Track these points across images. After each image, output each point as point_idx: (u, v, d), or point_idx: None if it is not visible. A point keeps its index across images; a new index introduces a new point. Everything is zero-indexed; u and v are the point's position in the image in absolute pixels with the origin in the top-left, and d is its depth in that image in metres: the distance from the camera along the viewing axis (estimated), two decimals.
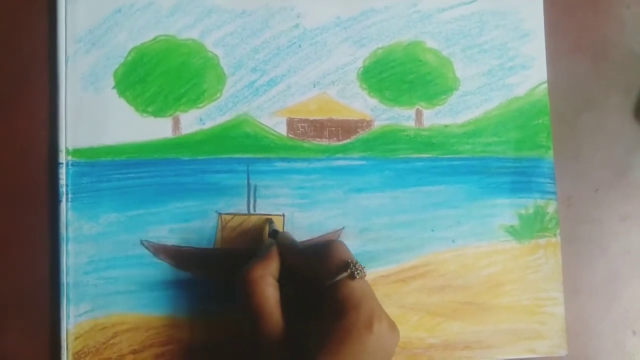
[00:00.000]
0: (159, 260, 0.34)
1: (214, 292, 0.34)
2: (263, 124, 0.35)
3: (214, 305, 0.34)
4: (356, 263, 0.28)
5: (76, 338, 0.33)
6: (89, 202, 0.33)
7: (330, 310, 0.27)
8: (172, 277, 0.33)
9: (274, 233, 0.33)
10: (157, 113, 0.34)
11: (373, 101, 0.36)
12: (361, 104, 0.36)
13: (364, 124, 0.36)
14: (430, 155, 0.36)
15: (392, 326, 0.27)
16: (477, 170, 0.36)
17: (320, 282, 0.28)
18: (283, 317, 0.29)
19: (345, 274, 0.27)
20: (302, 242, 0.33)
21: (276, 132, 0.35)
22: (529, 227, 0.36)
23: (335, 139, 0.36)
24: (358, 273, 0.27)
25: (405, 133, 0.36)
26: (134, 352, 0.33)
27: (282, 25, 0.36)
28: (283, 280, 0.30)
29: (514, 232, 0.36)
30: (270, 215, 0.35)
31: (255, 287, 0.29)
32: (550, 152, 0.37)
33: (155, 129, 0.34)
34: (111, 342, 0.33)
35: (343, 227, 0.35)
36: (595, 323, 0.37)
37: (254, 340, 0.29)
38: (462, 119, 0.36)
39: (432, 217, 0.36)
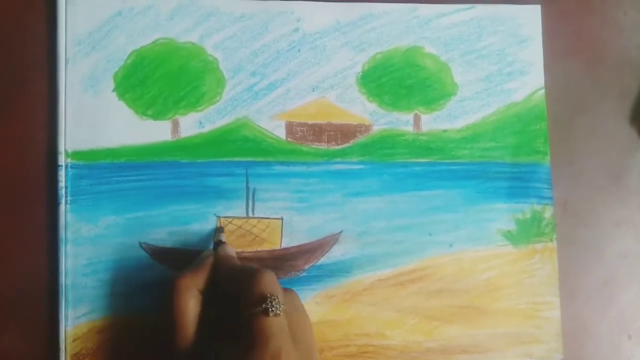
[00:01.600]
0: (158, 263, 0.34)
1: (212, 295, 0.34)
2: (262, 128, 0.35)
3: (211, 308, 0.34)
4: (274, 299, 0.27)
5: (74, 340, 0.33)
6: (88, 205, 0.34)
7: (240, 341, 0.27)
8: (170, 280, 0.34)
9: (218, 244, 0.33)
10: (156, 116, 0.35)
11: (372, 106, 0.36)
12: (360, 109, 0.36)
13: (363, 128, 0.36)
14: (428, 160, 0.36)
15: None
16: (475, 175, 0.36)
17: (240, 309, 0.28)
18: (197, 332, 0.29)
19: (259, 309, 0.27)
20: (243, 258, 0.34)
21: (275, 135, 0.35)
22: (525, 232, 0.36)
23: (334, 143, 0.36)
24: (273, 310, 0.27)
25: (403, 138, 0.36)
26: (132, 354, 0.33)
27: (281, 29, 0.36)
28: (209, 294, 0.30)
29: (511, 237, 0.36)
30: (268, 218, 0.35)
31: (178, 297, 0.29)
32: (547, 158, 0.37)
33: (154, 131, 0.34)
34: (109, 344, 0.33)
35: (341, 231, 0.35)
36: (591, 327, 0.37)
37: (168, 347, 0.29)
38: (460, 124, 0.37)
39: (430, 221, 0.36)
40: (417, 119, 0.37)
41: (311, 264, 0.35)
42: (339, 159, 0.36)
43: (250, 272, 0.29)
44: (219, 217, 0.34)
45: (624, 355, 0.37)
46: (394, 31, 0.37)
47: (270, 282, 0.28)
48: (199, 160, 0.35)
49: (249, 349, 0.26)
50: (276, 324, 0.27)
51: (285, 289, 0.30)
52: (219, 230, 0.34)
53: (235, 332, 0.28)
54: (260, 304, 0.27)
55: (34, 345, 0.33)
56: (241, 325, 0.27)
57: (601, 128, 0.39)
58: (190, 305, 0.29)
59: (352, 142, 0.36)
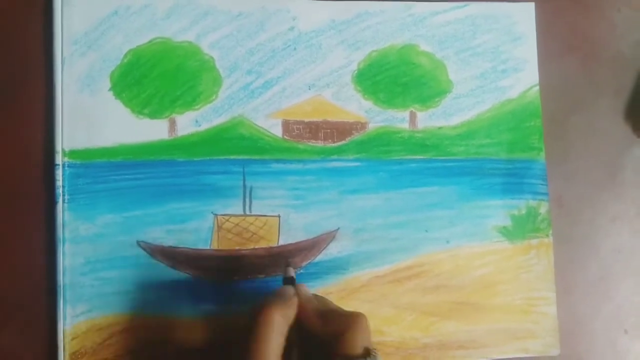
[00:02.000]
0: (156, 261, 0.34)
1: (210, 293, 0.34)
2: (258, 126, 0.35)
3: (210, 306, 0.34)
4: (375, 351, 0.27)
5: (73, 339, 0.33)
6: (85, 203, 0.34)
7: None
8: (168, 278, 0.34)
9: (291, 280, 0.31)
10: (153, 115, 0.35)
11: (367, 103, 0.37)
12: (356, 106, 0.36)
13: (359, 125, 0.36)
14: (424, 157, 0.36)
15: None
16: (470, 172, 0.37)
17: (333, 354, 0.26)
18: None
19: None
20: (318, 296, 0.32)
21: (272, 133, 0.36)
22: (521, 228, 0.37)
23: (330, 140, 0.36)
24: None
25: (399, 135, 0.36)
26: (131, 352, 0.33)
27: (277, 28, 0.36)
28: (295, 335, 0.28)
29: (506, 233, 0.37)
30: (265, 216, 0.35)
31: (267, 329, 0.26)
32: (542, 154, 0.37)
33: (151, 130, 0.34)
34: (108, 342, 0.33)
35: (338, 228, 0.35)
36: (587, 322, 0.37)
37: None
38: (455, 121, 0.37)
39: (426, 217, 0.36)
40: (412, 117, 0.37)
41: (308, 261, 0.35)
42: (335, 157, 0.36)
43: (346, 315, 0.28)
44: (216, 215, 0.35)
45: (620, 349, 0.38)
46: (389, 29, 0.37)
47: (369, 329, 0.27)
48: (195, 159, 0.35)
49: None
50: None
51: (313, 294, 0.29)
52: (287, 265, 0.33)
53: None
54: (362, 356, 0.26)
55: (32, 344, 0.33)
56: None
57: (596, 124, 0.39)
58: (277, 341, 0.27)
59: (348, 140, 0.36)
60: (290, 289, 0.30)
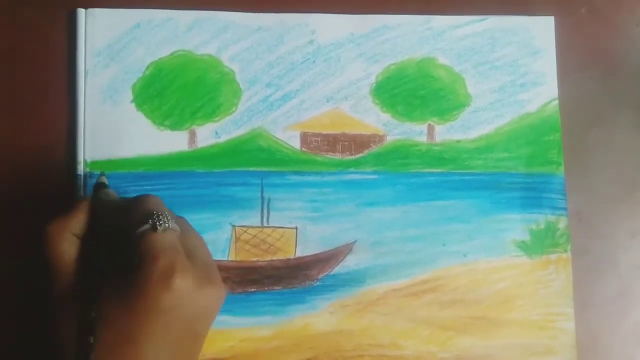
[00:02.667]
0: None
1: (227, 304, 0.34)
2: (277, 138, 0.36)
3: (227, 317, 0.34)
4: (161, 214, 0.25)
5: None
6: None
7: (128, 265, 0.24)
8: None
9: (98, 187, 0.31)
10: (173, 126, 0.35)
11: (385, 116, 0.37)
12: (374, 119, 0.37)
13: (377, 138, 0.37)
14: (442, 170, 0.36)
15: (202, 284, 0.24)
16: (489, 186, 0.37)
17: (127, 235, 0.25)
18: (78, 275, 0.26)
19: (146, 226, 0.25)
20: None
21: (290, 146, 0.36)
22: (539, 243, 0.36)
23: (348, 153, 0.36)
24: (161, 224, 0.24)
25: (417, 148, 0.37)
26: None
27: (296, 41, 0.36)
28: (92, 238, 0.28)
29: (525, 247, 0.36)
30: (283, 227, 0.35)
31: (49, 242, 0.27)
32: (561, 168, 0.37)
33: (171, 142, 0.35)
34: None
35: (355, 241, 0.35)
36: (605, 338, 0.37)
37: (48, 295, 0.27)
38: (473, 134, 0.37)
39: (443, 231, 0.36)
40: (430, 130, 0.37)
41: (325, 274, 0.35)
42: (352, 169, 0.36)
43: (133, 198, 0.27)
44: (234, 226, 0.35)
45: None
46: (408, 42, 0.37)
47: (155, 201, 0.27)
48: (215, 170, 0.35)
49: (135, 270, 0.23)
50: (166, 239, 0.24)
51: (176, 216, 0.28)
52: (100, 174, 0.32)
53: (123, 263, 0.25)
54: (146, 221, 0.25)
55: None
56: (128, 253, 0.25)
57: (615, 139, 0.39)
58: (63, 248, 0.27)
59: (366, 152, 0.36)
60: (78, 200, 0.31)
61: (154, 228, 0.25)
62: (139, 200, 0.27)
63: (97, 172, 0.33)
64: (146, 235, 0.25)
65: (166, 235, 0.25)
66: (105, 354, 0.23)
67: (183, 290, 0.23)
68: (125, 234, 0.25)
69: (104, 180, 0.32)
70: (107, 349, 0.23)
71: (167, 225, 0.25)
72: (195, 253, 0.26)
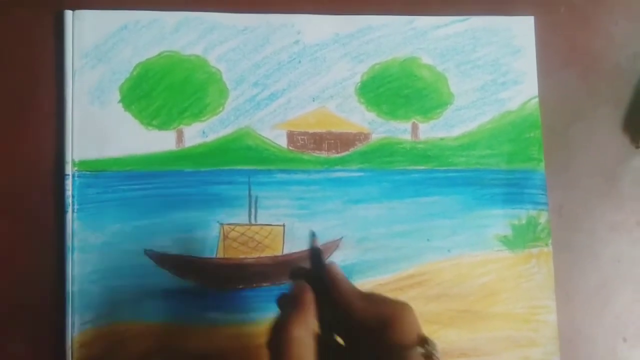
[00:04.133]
0: (163, 270, 0.34)
1: (216, 301, 0.35)
2: (264, 137, 0.36)
3: (216, 314, 0.34)
4: (432, 342, 0.25)
5: (81, 346, 0.33)
6: (94, 213, 0.34)
7: None
8: (175, 286, 0.34)
9: (317, 253, 0.28)
10: (161, 126, 0.35)
11: (370, 115, 0.37)
12: (359, 118, 0.37)
13: (362, 136, 0.37)
14: (426, 167, 0.37)
15: None
16: (472, 182, 0.37)
17: (382, 344, 0.25)
18: None
19: (421, 351, 0.25)
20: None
21: (277, 144, 0.36)
22: (521, 237, 0.37)
23: (334, 151, 0.37)
24: (434, 355, 0.25)
25: (401, 146, 0.37)
26: (138, 359, 0.34)
27: (282, 42, 0.37)
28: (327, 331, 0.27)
29: (507, 242, 0.37)
30: (270, 225, 0.36)
31: (293, 349, 0.24)
32: (542, 165, 0.38)
33: (159, 141, 0.35)
34: (115, 350, 0.34)
35: (342, 237, 0.36)
36: (587, 330, 0.38)
37: None
38: (456, 132, 0.38)
39: (428, 227, 0.37)
40: (414, 128, 0.38)
41: None
42: (339, 167, 0.37)
43: (391, 304, 0.26)
44: (222, 224, 0.35)
45: (619, 357, 0.38)
46: (392, 43, 0.38)
47: (417, 319, 0.26)
48: (202, 169, 0.35)
49: None
50: None
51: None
52: (312, 235, 0.29)
53: None
54: (419, 344, 0.25)
55: (40, 351, 0.34)
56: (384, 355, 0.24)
57: (595, 135, 0.39)
58: (305, 354, 0.24)
59: (351, 151, 0.37)
60: (303, 288, 0.27)
61: (428, 357, 0.25)
62: (406, 312, 0.26)
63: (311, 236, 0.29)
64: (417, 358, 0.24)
65: None
66: None
67: None
68: (384, 340, 0.25)
69: (319, 243, 0.29)
70: None
71: (437, 357, 0.25)
72: None
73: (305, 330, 0.25)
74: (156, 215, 0.35)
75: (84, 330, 0.33)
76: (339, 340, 0.27)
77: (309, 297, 0.26)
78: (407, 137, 0.37)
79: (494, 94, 0.38)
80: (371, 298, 0.27)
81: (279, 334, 0.25)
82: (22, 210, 0.34)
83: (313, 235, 0.29)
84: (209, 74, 0.36)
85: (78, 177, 0.34)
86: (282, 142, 0.36)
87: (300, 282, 0.27)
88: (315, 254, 0.28)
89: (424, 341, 0.25)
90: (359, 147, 0.37)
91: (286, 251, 0.36)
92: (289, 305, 0.26)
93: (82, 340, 0.33)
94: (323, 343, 0.26)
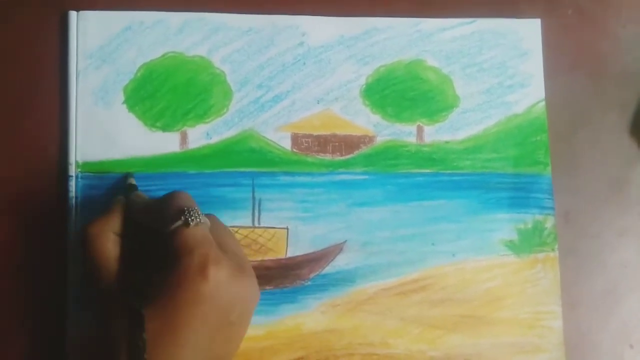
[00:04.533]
0: None
1: None
2: (268, 139, 0.36)
3: None
4: (192, 209, 0.27)
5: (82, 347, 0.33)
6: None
7: (164, 260, 0.26)
8: None
9: (129, 188, 0.33)
10: (165, 128, 0.35)
11: (375, 117, 0.37)
12: (364, 120, 0.37)
13: (367, 139, 0.37)
14: (431, 171, 0.37)
15: (238, 274, 0.26)
16: (477, 186, 0.37)
17: (160, 232, 0.27)
18: (123, 272, 0.28)
19: (179, 222, 0.26)
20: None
21: (281, 146, 0.36)
22: (527, 242, 0.37)
23: (338, 153, 0.37)
24: (192, 219, 0.26)
25: (406, 149, 0.37)
26: None
27: (287, 43, 0.37)
28: (129, 237, 0.30)
29: (513, 247, 0.37)
30: (274, 227, 0.35)
31: (91, 244, 0.28)
32: (549, 169, 0.38)
33: (163, 143, 0.35)
34: None
35: (345, 241, 0.36)
36: (593, 337, 0.37)
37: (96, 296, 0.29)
38: (462, 135, 0.37)
39: (432, 231, 0.36)
40: (419, 131, 0.37)
41: (316, 273, 0.35)
42: (343, 170, 0.36)
43: (163, 196, 0.29)
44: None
45: None
46: (397, 45, 0.37)
47: (185, 197, 0.28)
48: (206, 171, 0.35)
49: (173, 264, 0.25)
50: (198, 233, 0.26)
51: (206, 214, 0.29)
52: (127, 175, 0.34)
53: (160, 258, 0.26)
54: (178, 217, 0.26)
55: (41, 353, 0.34)
56: (162, 249, 0.26)
57: (602, 139, 0.39)
58: (108, 247, 0.28)
59: (356, 153, 0.37)
60: (115, 198, 0.32)
61: (186, 223, 0.26)
62: (170, 197, 0.28)
63: (121, 173, 0.34)
64: (179, 231, 0.26)
65: (198, 229, 0.26)
66: (150, 345, 0.24)
67: (218, 280, 0.25)
68: (159, 231, 0.27)
69: (133, 181, 0.33)
70: (152, 340, 0.24)
71: (198, 219, 0.26)
72: (226, 245, 0.28)
73: (101, 228, 0.29)
74: None
75: (85, 332, 0.33)
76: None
77: (116, 207, 0.31)
78: (412, 140, 0.37)
79: (500, 97, 0.38)
80: (153, 203, 0.30)
81: (80, 235, 0.29)
82: (25, 211, 0.34)
83: (129, 175, 0.34)
84: (213, 75, 0.36)
85: (81, 178, 0.34)
86: (286, 144, 0.36)
87: (118, 198, 0.32)
88: (128, 189, 0.33)
89: (181, 212, 0.26)
90: (364, 149, 0.37)
91: (289, 254, 0.35)
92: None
93: (83, 342, 0.33)
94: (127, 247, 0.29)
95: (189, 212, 0.26)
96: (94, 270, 0.28)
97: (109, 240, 0.29)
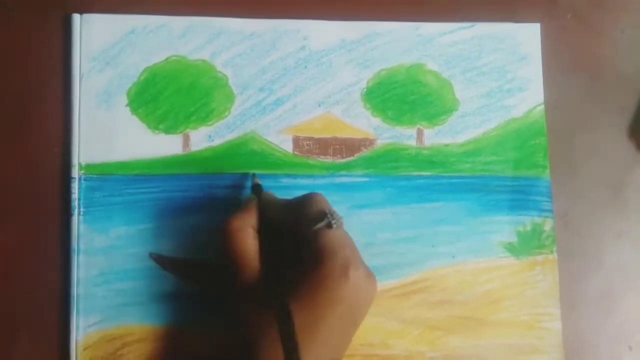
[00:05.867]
0: (167, 273, 0.34)
1: (221, 305, 0.35)
2: (270, 142, 0.36)
3: (221, 318, 0.34)
4: (333, 213, 0.28)
5: (85, 349, 0.33)
6: (100, 216, 0.34)
7: (307, 259, 0.27)
8: (179, 290, 0.34)
9: (257, 187, 0.34)
10: (168, 130, 0.36)
11: (376, 120, 0.37)
12: (364, 123, 0.37)
13: (367, 142, 0.37)
14: (431, 173, 0.37)
15: (369, 275, 0.28)
16: (477, 188, 0.37)
17: (299, 232, 0.28)
18: (262, 267, 0.29)
19: (322, 224, 0.27)
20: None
21: (282, 149, 0.36)
22: (526, 244, 0.37)
23: (339, 156, 0.37)
24: (335, 222, 0.28)
25: (406, 151, 0.37)
26: None
27: (289, 47, 0.37)
28: (265, 234, 0.30)
29: (512, 249, 0.37)
30: None
31: (234, 237, 0.29)
32: (547, 172, 0.38)
33: (166, 145, 0.35)
34: (119, 353, 0.34)
35: None
36: (591, 338, 0.38)
37: (234, 288, 0.29)
38: (461, 138, 0.38)
39: (432, 233, 0.37)
40: (419, 134, 0.38)
41: None
42: (344, 172, 0.37)
43: (302, 197, 0.30)
44: None
45: None
46: (398, 49, 0.38)
47: (323, 200, 0.29)
48: (208, 173, 0.36)
49: (318, 264, 0.26)
50: (340, 235, 0.28)
51: None
52: (252, 176, 0.35)
53: (299, 257, 0.28)
54: (320, 219, 0.28)
55: (44, 354, 0.34)
56: (304, 248, 0.27)
57: (600, 142, 0.39)
58: (248, 242, 0.29)
59: (356, 156, 0.37)
60: (249, 197, 0.32)
61: (328, 225, 0.27)
62: (310, 199, 0.29)
63: (250, 174, 0.35)
64: (322, 232, 0.27)
65: (338, 232, 0.28)
66: None
67: (356, 281, 0.27)
68: (298, 231, 0.28)
69: (259, 181, 0.34)
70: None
71: (340, 223, 0.28)
72: (353, 245, 0.29)
73: (243, 223, 0.29)
74: (162, 219, 0.35)
75: (88, 333, 0.34)
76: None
77: (252, 204, 0.31)
78: (412, 143, 0.37)
79: (499, 100, 0.38)
80: (289, 203, 0.31)
81: (222, 228, 0.29)
82: (28, 213, 0.35)
83: (252, 175, 0.35)
84: (216, 78, 0.36)
85: (84, 180, 0.35)
86: (288, 147, 0.36)
87: (251, 195, 0.33)
88: (255, 189, 0.34)
89: (323, 215, 0.28)
90: (364, 152, 0.37)
91: None
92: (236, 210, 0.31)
93: (87, 343, 0.33)
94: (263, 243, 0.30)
95: (332, 215, 0.28)
96: (235, 265, 0.29)
97: (249, 235, 0.29)
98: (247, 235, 0.29)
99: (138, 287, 0.34)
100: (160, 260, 0.34)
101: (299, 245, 0.28)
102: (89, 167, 0.35)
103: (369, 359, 0.35)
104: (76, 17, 0.36)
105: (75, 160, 0.35)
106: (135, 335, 0.34)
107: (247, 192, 0.35)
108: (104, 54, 0.36)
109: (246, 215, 0.30)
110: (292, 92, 0.37)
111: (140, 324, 0.34)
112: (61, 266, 0.34)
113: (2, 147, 0.35)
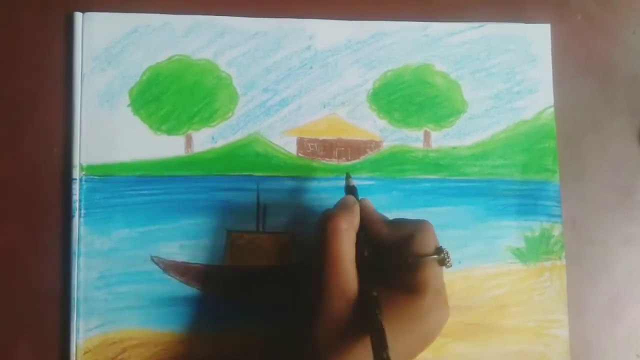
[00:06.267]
0: (169, 277, 0.34)
1: (223, 309, 0.34)
2: (273, 143, 0.36)
3: (222, 322, 0.34)
4: (447, 252, 0.29)
5: (85, 352, 0.33)
6: (101, 218, 0.34)
7: (407, 285, 0.28)
8: (181, 294, 0.34)
9: (353, 190, 0.33)
10: (170, 131, 0.35)
11: (382, 122, 0.37)
12: (370, 125, 0.37)
13: (373, 144, 0.37)
14: (438, 177, 0.37)
15: (446, 302, 0.29)
16: (484, 192, 0.37)
17: (404, 256, 0.28)
18: (352, 270, 0.28)
19: (436, 257, 0.28)
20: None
21: (286, 151, 0.36)
22: (534, 250, 0.36)
23: (344, 159, 0.36)
24: (447, 262, 0.29)
25: (413, 154, 0.37)
26: None
27: (294, 47, 0.36)
28: (362, 242, 0.30)
29: (520, 254, 0.36)
30: (279, 232, 0.35)
31: (338, 238, 0.28)
32: (556, 176, 0.37)
33: (168, 146, 0.35)
34: (120, 357, 0.33)
35: None
36: (599, 345, 0.37)
37: (317, 290, 0.28)
38: (469, 141, 0.37)
39: (439, 237, 0.36)
40: (427, 136, 0.37)
41: None
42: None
43: (412, 222, 0.30)
44: (230, 231, 0.35)
45: None
46: (405, 49, 0.37)
47: (435, 235, 0.30)
48: (211, 175, 0.35)
49: (421, 295, 0.27)
50: (442, 274, 0.29)
51: None
52: (347, 176, 0.34)
53: (399, 275, 0.28)
54: (435, 253, 0.29)
55: (45, 358, 0.33)
56: (402, 272, 0.28)
57: (610, 146, 0.39)
58: (349, 248, 0.28)
59: (362, 158, 0.36)
60: (351, 198, 0.31)
61: (442, 263, 0.29)
62: (424, 227, 0.30)
63: (343, 175, 0.34)
64: (434, 266, 0.28)
65: (442, 271, 0.29)
66: None
67: (443, 319, 0.29)
68: (400, 254, 0.29)
69: (353, 182, 0.34)
70: None
71: (450, 264, 0.29)
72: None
73: (349, 225, 0.29)
74: (163, 221, 0.34)
75: (89, 337, 0.33)
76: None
77: (356, 207, 0.30)
78: (419, 145, 0.37)
79: (508, 102, 0.37)
80: (395, 223, 0.31)
81: (327, 224, 0.28)
82: (27, 215, 0.34)
83: (348, 175, 0.34)
84: (219, 78, 0.36)
85: (85, 181, 0.34)
86: (292, 148, 0.36)
87: (350, 197, 0.32)
88: (351, 191, 0.33)
89: (439, 250, 0.29)
90: (370, 154, 0.36)
91: (294, 260, 0.35)
92: (337, 205, 0.30)
93: (87, 346, 0.33)
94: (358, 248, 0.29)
95: (447, 254, 0.29)
96: (331, 269, 0.28)
97: (352, 240, 0.29)
98: (350, 239, 0.28)
99: (139, 290, 0.34)
100: (162, 263, 0.34)
101: (396, 266, 0.28)
102: (90, 168, 0.34)
103: None
104: (78, 16, 0.35)
105: (76, 161, 0.34)
106: (136, 339, 0.33)
107: (341, 192, 0.33)
108: (106, 53, 0.35)
109: (351, 218, 0.29)
110: (296, 92, 0.36)
111: (141, 329, 0.33)
112: (61, 269, 0.34)
113: (2, 147, 0.35)
